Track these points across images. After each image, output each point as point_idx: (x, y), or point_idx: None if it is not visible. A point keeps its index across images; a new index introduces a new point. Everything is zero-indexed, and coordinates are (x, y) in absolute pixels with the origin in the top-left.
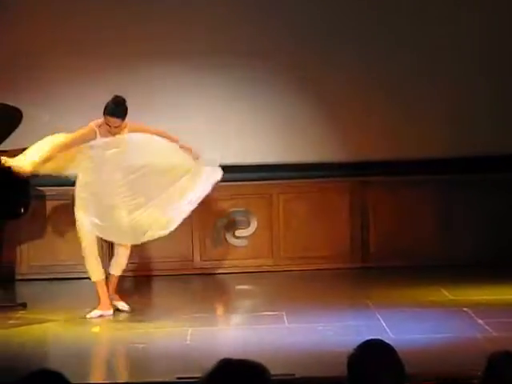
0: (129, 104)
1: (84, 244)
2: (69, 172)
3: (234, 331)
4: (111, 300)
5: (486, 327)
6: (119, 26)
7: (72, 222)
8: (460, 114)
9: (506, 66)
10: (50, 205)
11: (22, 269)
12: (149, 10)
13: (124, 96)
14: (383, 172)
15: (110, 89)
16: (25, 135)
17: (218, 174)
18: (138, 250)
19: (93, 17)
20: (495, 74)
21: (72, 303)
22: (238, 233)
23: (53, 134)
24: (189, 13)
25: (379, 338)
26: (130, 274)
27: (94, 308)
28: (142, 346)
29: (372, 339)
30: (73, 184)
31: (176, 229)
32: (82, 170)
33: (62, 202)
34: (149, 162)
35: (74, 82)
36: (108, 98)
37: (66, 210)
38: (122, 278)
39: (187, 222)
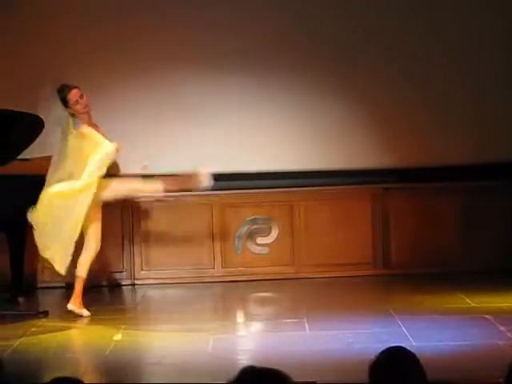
0: (149, 112)
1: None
2: None
3: (255, 338)
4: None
5: (508, 334)
6: (139, 29)
7: None
8: (481, 121)
9: None
10: None
11: (44, 277)
12: (172, 14)
13: (145, 103)
14: (405, 179)
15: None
16: (49, 143)
17: None
18: (157, 257)
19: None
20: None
21: (93, 311)
22: (259, 240)
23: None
24: (215, 17)
25: (401, 345)
26: (151, 282)
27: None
28: (162, 353)
29: (394, 346)
30: None
31: (196, 235)
32: None
33: None
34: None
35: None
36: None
37: None
38: (144, 287)
39: (208, 229)
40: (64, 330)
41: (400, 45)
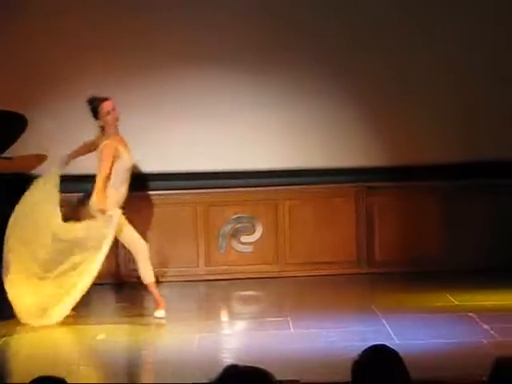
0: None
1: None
2: None
3: (239, 337)
4: None
5: (492, 332)
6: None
7: None
8: (464, 121)
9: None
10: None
11: None
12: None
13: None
14: (389, 178)
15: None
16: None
17: None
18: None
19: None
20: (499, 82)
21: (77, 310)
22: (243, 239)
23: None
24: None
25: (384, 343)
26: (135, 280)
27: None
28: (147, 352)
29: (376, 345)
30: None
31: (181, 233)
32: None
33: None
34: None
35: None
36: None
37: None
38: (126, 285)
39: (192, 228)
40: (49, 329)
41: (388, 43)
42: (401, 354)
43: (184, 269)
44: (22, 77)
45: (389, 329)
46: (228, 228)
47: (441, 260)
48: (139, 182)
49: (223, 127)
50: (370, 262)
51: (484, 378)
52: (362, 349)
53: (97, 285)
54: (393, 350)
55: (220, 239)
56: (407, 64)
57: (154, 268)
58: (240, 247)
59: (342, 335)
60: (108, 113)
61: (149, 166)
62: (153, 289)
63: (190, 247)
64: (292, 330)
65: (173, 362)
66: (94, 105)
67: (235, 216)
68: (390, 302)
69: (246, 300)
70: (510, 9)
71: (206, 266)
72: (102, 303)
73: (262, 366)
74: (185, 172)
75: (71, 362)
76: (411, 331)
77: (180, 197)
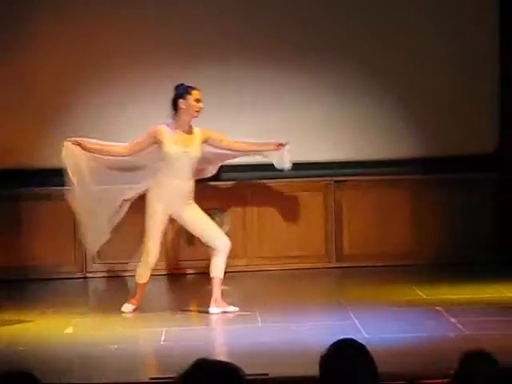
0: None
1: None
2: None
3: (207, 331)
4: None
5: (459, 326)
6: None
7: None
8: (431, 116)
9: (471, 70)
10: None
11: None
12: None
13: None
14: (357, 172)
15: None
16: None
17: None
18: (109, 250)
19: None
20: (463, 77)
21: (45, 304)
22: None
23: None
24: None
25: (352, 337)
26: (103, 274)
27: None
28: (114, 347)
29: (344, 339)
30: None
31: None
32: None
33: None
34: None
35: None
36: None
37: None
38: (95, 279)
39: None
40: (17, 323)
41: (357, 41)
42: (369, 347)
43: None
44: (91, 63)
45: (357, 323)
46: None
47: (409, 254)
48: None
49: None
50: (338, 256)
51: (451, 372)
52: (331, 343)
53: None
54: (360, 343)
55: (188, 233)
56: (376, 58)
57: (121, 262)
58: None
59: (311, 329)
60: (196, 100)
61: None
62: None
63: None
64: (260, 324)
65: (139, 356)
66: (181, 90)
67: (203, 210)
68: (359, 296)
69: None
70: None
71: (173, 259)
72: (71, 296)
73: (230, 361)
74: None
75: (37, 355)
76: (380, 325)
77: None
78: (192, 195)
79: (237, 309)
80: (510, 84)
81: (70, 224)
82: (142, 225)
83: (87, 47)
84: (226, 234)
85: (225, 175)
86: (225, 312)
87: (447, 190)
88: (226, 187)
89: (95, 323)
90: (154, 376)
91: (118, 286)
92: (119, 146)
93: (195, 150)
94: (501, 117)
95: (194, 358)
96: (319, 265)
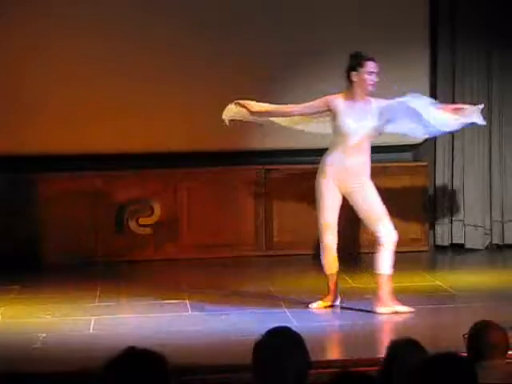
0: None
1: None
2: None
3: (137, 320)
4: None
5: (386, 314)
6: None
7: None
8: None
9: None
10: None
11: None
12: None
13: None
14: (287, 161)
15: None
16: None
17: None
18: (38, 240)
19: None
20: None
21: None
22: (141, 221)
23: None
24: None
25: (283, 325)
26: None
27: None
28: (42, 335)
29: (279, 326)
30: None
31: (78, 217)
32: None
33: None
34: None
35: None
36: None
37: None
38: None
39: (90, 210)
40: None
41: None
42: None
43: (82, 251)
44: None
45: (287, 311)
46: (126, 210)
47: (338, 242)
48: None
49: (126, 109)
50: (267, 244)
51: (381, 359)
52: (261, 331)
53: None
54: (295, 332)
55: (117, 221)
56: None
57: (52, 251)
58: (138, 229)
59: (241, 318)
60: (370, 73)
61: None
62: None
63: (87, 229)
64: (190, 313)
65: (68, 344)
66: (353, 62)
67: (133, 198)
68: (288, 285)
69: (143, 282)
70: None
71: (104, 248)
72: None
73: (159, 349)
74: (85, 153)
75: None
76: (309, 313)
77: (79, 176)
78: (364, 172)
79: (411, 309)
80: None
81: None
82: (63, 213)
83: None
84: (156, 222)
85: (155, 163)
86: (395, 312)
87: (382, 177)
88: (156, 174)
89: (23, 312)
90: (83, 366)
91: (47, 275)
92: (288, 106)
93: (370, 123)
94: None
95: (123, 347)
96: (249, 253)
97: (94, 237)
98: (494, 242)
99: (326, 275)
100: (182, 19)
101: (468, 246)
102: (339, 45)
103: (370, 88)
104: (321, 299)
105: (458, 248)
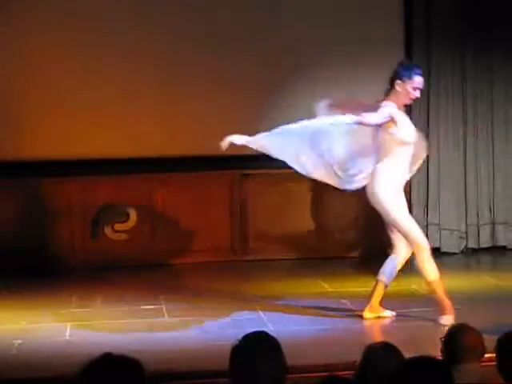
0: None
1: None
2: None
3: (113, 326)
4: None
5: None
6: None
7: None
8: None
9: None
10: None
11: None
12: None
13: None
14: (262, 165)
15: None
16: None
17: None
18: (11, 246)
19: None
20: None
21: None
22: (117, 226)
23: None
24: None
25: (260, 330)
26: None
27: None
28: (18, 342)
29: (256, 331)
30: None
31: (53, 222)
32: None
33: None
34: None
35: None
36: None
37: None
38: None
39: (65, 216)
40: None
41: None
42: None
43: (58, 257)
44: None
45: (263, 316)
46: (101, 215)
47: (313, 247)
48: None
49: (101, 115)
50: (243, 250)
51: (356, 363)
52: (238, 336)
53: None
54: (271, 336)
55: (93, 227)
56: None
57: (25, 256)
58: (114, 235)
59: (217, 323)
60: (414, 89)
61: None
62: (438, 289)
63: (64, 235)
64: (166, 318)
65: (44, 351)
66: (404, 72)
67: (109, 203)
68: (264, 290)
69: (120, 287)
70: None
71: (79, 254)
72: None
73: (135, 355)
74: (60, 159)
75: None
76: (285, 318)
77: (52, 180)
78: None
79: (393, 313)
80: None
81: None
82: (39, 216)
83: None
84: (132, 227)
85: (131, 168)
86: (379, 317)
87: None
88: (132, 180)
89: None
90: (59, 373)
91: (21, 281)
92: (347, 116)
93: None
94: None
95: (98, 353)
96: (225, 258)
97: (69, 243)
98: (469, 246)
99: (429, 282)
100: (170, 29)
101: (444, 249)
102: (313, 45)
103: (409, 102)
104: None
105: (433, 252)
